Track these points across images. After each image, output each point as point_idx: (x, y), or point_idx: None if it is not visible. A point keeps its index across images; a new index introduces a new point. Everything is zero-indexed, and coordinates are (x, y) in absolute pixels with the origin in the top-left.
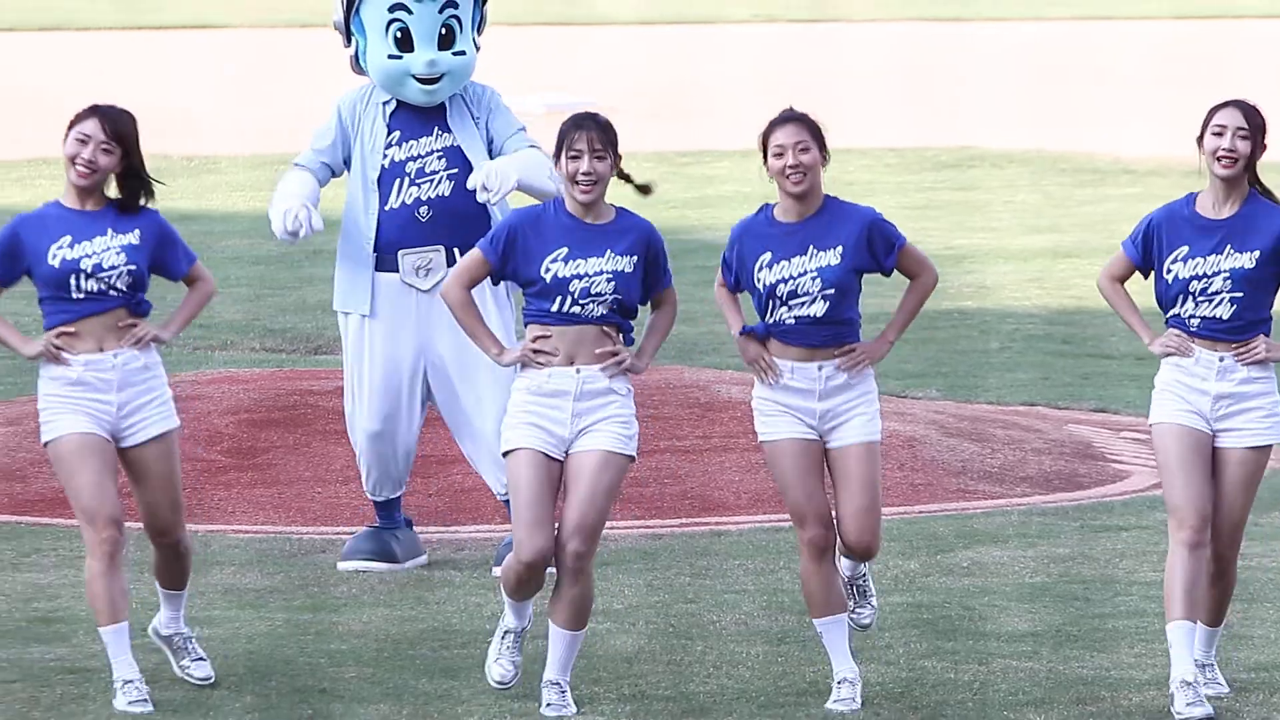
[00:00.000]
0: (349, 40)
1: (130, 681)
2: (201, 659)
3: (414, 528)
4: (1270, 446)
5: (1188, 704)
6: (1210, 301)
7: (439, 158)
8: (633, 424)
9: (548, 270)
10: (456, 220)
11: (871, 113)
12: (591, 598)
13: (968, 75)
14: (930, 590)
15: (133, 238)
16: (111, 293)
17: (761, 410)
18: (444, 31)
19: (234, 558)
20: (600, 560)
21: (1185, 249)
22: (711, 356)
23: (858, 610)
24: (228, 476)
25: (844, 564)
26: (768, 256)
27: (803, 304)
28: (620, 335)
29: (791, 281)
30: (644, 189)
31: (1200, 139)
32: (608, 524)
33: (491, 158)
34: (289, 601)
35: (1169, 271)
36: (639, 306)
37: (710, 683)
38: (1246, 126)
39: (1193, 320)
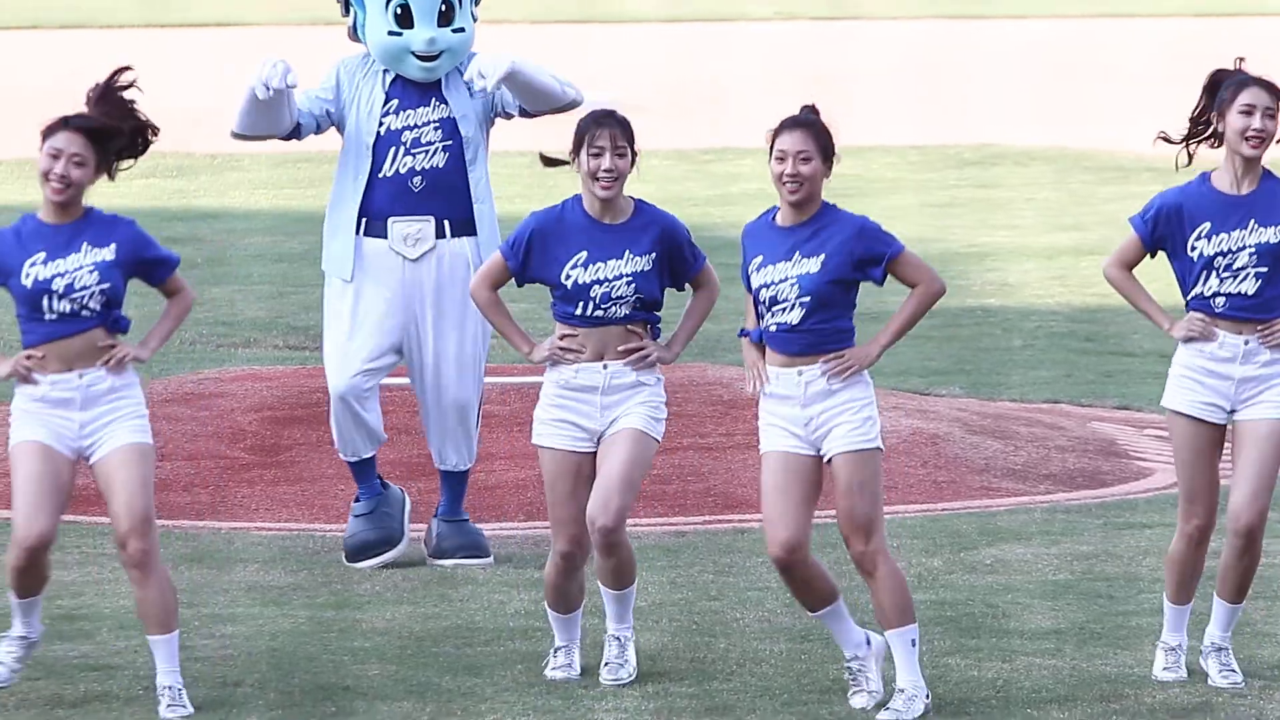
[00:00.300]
0: (347, 10)
1: None
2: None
3: (388, 488)
4: None
5: (1164, 668)
6: (1235, 277)
7: (435, 128)
8: (662, 410)
9: (568, 277)
10: (449, 192)
11: (891, 109)
12: (631, 562)
13: (982, 72)
14: (954, 587)
15: (108, 253)
16: (84, 313)
17: (760, 420)
18: (444, 8)
19: (257, 555)
20: None
21: (1208, 225)
22: (735, 354)
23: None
24: (251, 474)
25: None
26: (759, 260)
27: (782, 310)
28: (648, 328)
29: (774, 287)
30: (551, 161)
31: (1212, 111)
32: (631, 521)
33: (491, 115)
34: (312, 599)
35: (1192, 249)
36: (663, 298)
37: (733, 680)
38: (1274, 105)
39: (1217, 299)
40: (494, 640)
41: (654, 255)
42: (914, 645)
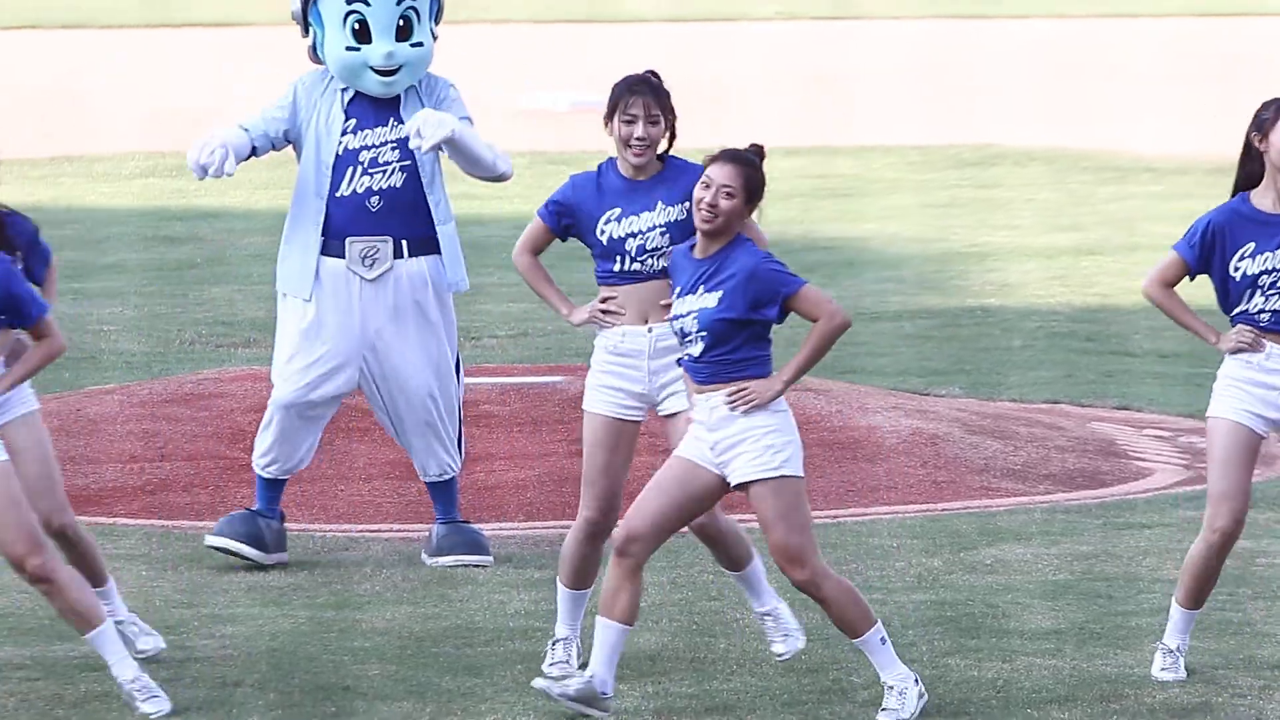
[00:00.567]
0: (306, 31)
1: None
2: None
3: (285, 523)
4: None
5: (1162, 669)
6: None
7: (393, 149)
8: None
9: (603, 232)
10: (407, 211)
11: (892, 109)
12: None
13: (985, 72)
14: (953, 588)
15: None
16: None
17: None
18: (402, 23)
19: None
20: None
21: (1251, 245)
22: None
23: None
24: (251, 474)
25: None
26: (678, 289)
27: (689, 342)
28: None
29: (680, 320)
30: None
31: (1259, 135)
32: None
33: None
34: (312, 599)
35: (1236, 270)
36: None
37: (734, 680)
38: None
39: (1262, 315)
40: (494, 640)
41: (687, 205)
42: (884, 642)
